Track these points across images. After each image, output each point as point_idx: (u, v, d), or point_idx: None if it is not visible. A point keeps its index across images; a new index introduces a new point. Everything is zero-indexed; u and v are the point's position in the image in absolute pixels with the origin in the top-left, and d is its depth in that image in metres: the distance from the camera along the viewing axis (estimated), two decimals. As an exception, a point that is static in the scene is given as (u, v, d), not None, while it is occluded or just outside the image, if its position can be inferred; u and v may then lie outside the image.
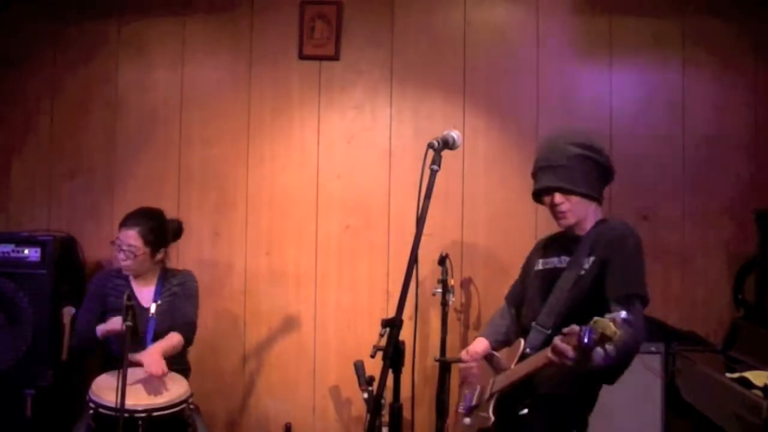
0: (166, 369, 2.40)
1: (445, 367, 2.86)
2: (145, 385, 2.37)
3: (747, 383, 2.33)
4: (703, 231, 3.14)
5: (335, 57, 3.25)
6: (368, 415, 2.61)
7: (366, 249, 3.25)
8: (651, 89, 3.18)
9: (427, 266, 3.06)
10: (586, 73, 3.22)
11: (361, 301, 3.25)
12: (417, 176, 1.92)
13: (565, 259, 2.14)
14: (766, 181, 3.12)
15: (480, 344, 2.31)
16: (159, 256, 2.68)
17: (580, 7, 3.21)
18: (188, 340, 2.66)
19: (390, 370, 1.82)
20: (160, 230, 2.66)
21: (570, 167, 2.06)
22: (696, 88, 3.16)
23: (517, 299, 2.36)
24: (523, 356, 2.06)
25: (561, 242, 2.21)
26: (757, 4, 3.12)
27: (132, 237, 2.57)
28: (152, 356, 2.42)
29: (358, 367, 2.72)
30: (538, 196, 2.20)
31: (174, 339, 2.57)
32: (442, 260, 2.94)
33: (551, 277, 2.15)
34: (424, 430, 3.17)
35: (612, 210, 3.12)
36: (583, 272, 2.05)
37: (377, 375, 1.82)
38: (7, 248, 2.93)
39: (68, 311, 2.91)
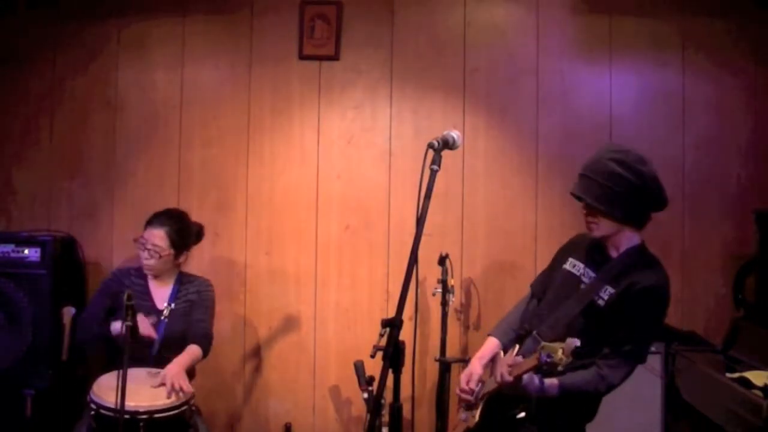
0: (189, 387, 2.38)
1: (445, 367, 2.87)
2: (148, 386, 2.37)
3: (747, 383, 2.33)
4: (703, 231, 3.14)
5: (335, 57, 3.25)
6: (368, 415, 2.61)
7: (366, 249, 3.25)
8: (651, 89, 3.19)
9: (427, 266, 3.06)
10: (586, 73, 3.22)
11: (361, 301, 3.25)
12: (417, 176, 1.92)
13: (589, 274, 2.10)
14: (766, 182, 3.12)
15: (486, 349, 2.27)
16: (181, 258, 2.69)
17: (580, 7, 3.21)
18: (205, 353, 2.66)
19: (390, 370, 1.82)
20: (185, 232, 2.68)
21: (602, 184, 1.98)
22: (695, 89, 3.16)
23: (541, 289, 2.32)
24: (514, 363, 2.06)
25: (593, 252, 2.15)
26: (755, 6, 3.11)
27: (158, 237, 2.59)
28: (177, 373, 2.39)
29: (358, 367, 2.71)
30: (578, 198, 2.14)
31: (195, 352, 2.59)
32: (442, 260, 2.94)
33: (572, 286, 2.12)
34: (424, 430, 3.17)
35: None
36: (596, 299, 2.03)
37: (377, 375, 1.82)
38: (7, 248, 2.93)
39: (68, 311, 2.90)
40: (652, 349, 2.78)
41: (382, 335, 1.83)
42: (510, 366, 1.97)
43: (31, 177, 3.30)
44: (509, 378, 1.94)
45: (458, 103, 3.24)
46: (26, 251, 2.92)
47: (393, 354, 1.82)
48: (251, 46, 3.29)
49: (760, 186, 3.12)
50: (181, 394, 2.33)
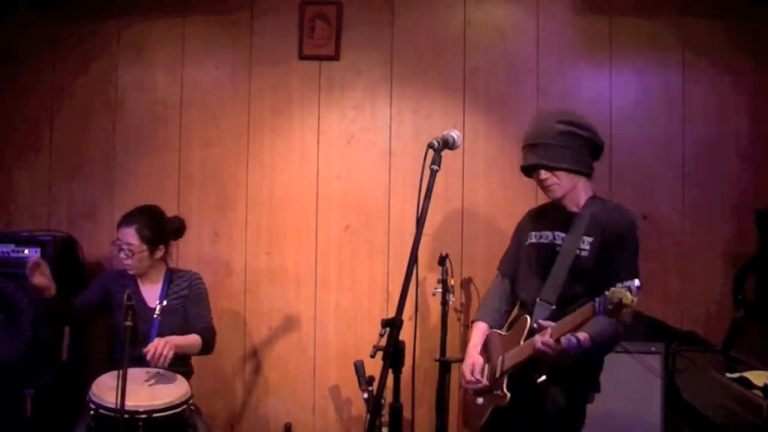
0: (167, 359, 2.37)
1: (445, 367, 2.87)
2: (146, 385, 2.37)
3: (747, 383, 2.33)
4: (703, 231, 3.14)
5: (335, 57, 3.25)
6: (368, 415, 2.61)
7: (366, 249, 3.25)
8: (651, 89, 3.18)
9: (427, 266, 3.06)
10: (586, 73, 3.21)
11: (361, 301, 3.25)
12: (417, 176, 1.92)
13: (560, 236, 2.22)
14: (766, 181, 3.12)
15: (478, 336, 2.36)
16: (159, 253, 2.68)
17: (580, 7, 3.21)
18: (209, 345, 2.65)
19: (390, 370, 1.83)
20: (157, 227, 2.66)
21: (554, 144, 2.16)
22: (696, 88, 3.16)
23: (511, 270, 2.43)
24: (531, 332, 2.13)
25: (554, 216, 2.29)
26: (753, 7, 3.11)
27: (129, 235, 2.59)
28: (163, 342, 2.38)
29: (358, 367, 2.71)
30: (527, 172, 2.31)
31: (192, 338, 2.58)
32: (442, 260, 2.94)
33: (548, 253, 2.23)
34: (424, 430, 3.17)
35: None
36: (579, 252, 2.15)
37: (377, 375, 1.82)
38: (7, 248, 2.93)
39: (68, 311, 2.90)
40: (652, 348, 2.79)
41: (382, 335, 1.83)
42: (543, 331, 2.00)
43: (31, 177, 3.31)
44: (552, 340, 1.96)
45: (458, 103, 3.24)
46: (26, 251, 2.92)
47: (393, 354, 1.82)
48: (251, 46, 3.29)
49: (760, 186, 3.11)
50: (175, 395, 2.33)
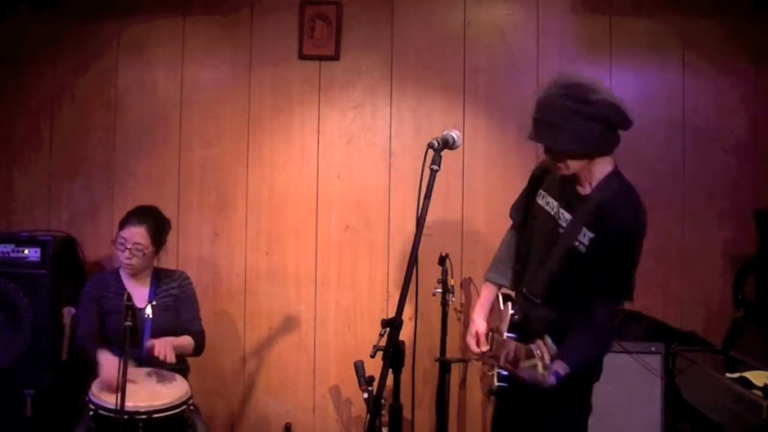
0: (172, 358, 2.40)
1: (445, 367, 2.87)
2: (146, 386, 2.37)
3: (747, 383, 2.33)
4: (703, 231, 3.14)
5: (335, 57, 3.25)
6: (368, 415, 2.60)
7: (366, 249, 3.25)
8: (651, 89, 3.18)
9: (427, 266, 3.06)
10: (586, 73, 3.18)
11: (361, 301, 3.25)
12: (417, 176, 1.92)
13: (564, 215, 2.07)
14: (766, 181, 3.12)
15: (485, 298, 2.34)
16: (161, 254, 2.71)
17: (580, 7, 3.21)
18: (201, 348, 2.70)
19: (390, 370, 1.83)
20: (163, 228, 2.70)
21: (556, 125, 1.92)
22: (695, 88, 3.16)
23: (520, 217, 2.31)
24: (512, 323, 2.15)
25: (565, 188, 2.09)
26: (753, 7, 3.11)
27: (139, 235, 2.59)
28: (165, 343, 2.43)
29: (358, 367, 2.71)
30: None
31: (187, 340, 2.62)
32: (442, 260, 2.94)
33: (548, 227, 2.10)
34: (424, 430, 3.17)
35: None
36: (576, 244, 2.01)
37: (377, 375, 1.82)
38: (7, 248, 2.93)
39: (68, 311, 2.89)
40: (652, 348, 2.79)
41: (382, 335, 1.84)
42: (508, 356, 2.03)
43: (32, 177, 3.31)
44: (509, 365, 2.02)
45: (458, 103, 3.24)
46: (26, 251, 2.92)
47: (393, 354, 1.82)
48: (251, 46, 3.29)
49: (760, 186, 3.11)
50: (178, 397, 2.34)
